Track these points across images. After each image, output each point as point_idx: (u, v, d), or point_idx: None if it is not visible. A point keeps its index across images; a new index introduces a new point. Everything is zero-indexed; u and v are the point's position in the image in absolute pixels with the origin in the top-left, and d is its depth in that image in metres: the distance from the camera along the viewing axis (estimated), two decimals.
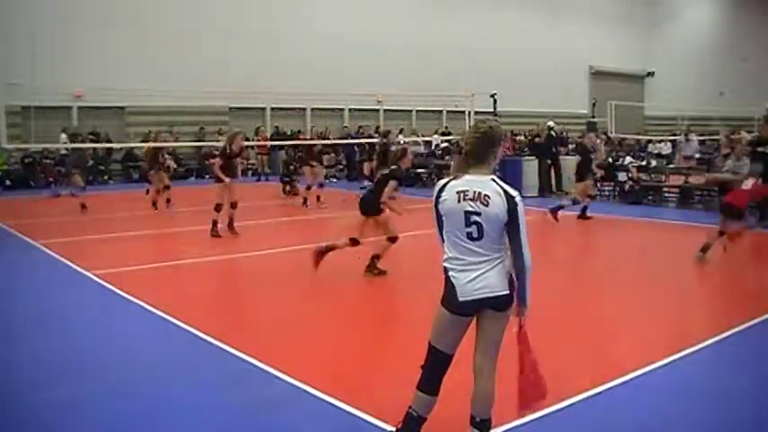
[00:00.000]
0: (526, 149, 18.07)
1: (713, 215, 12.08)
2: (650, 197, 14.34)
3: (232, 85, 20.13)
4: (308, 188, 13.91)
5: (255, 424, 3.82)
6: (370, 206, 7.32)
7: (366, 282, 7.28)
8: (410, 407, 3.32)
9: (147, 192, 14.20)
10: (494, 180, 3.12)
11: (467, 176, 3.12)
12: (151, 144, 14.38)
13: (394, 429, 3.40)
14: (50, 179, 19.06)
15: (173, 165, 15.38)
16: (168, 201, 13.52)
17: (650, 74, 35.24)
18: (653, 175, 14.77)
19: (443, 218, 3.17)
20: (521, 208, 3.09)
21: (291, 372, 4.44)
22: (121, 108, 20.71)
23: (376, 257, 7.37)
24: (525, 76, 27.59)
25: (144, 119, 20.83)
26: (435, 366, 3.26)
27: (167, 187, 13.53)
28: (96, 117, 20.30)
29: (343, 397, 4.03)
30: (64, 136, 18.73)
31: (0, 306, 6.46)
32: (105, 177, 20.09)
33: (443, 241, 3.24)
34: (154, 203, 13.59)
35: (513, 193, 3.09)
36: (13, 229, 10.73)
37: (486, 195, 3.05)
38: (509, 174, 13.79)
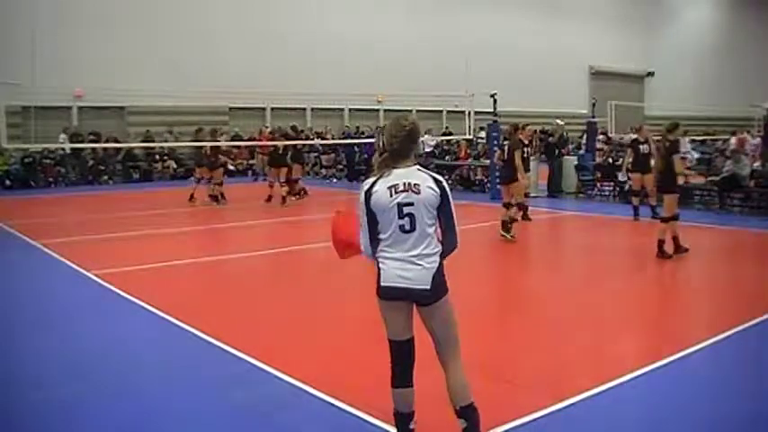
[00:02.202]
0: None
1: (713, 215, 12.14)
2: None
3: (232, 85, 20.14)
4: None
5: (255, 424, 3.82)
6: None
7: (366, 282, 7.25)
8: (395, 410, 3.33)
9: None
10: (419, 169, 3.24)
11: (395, 171, 3.20)
12: (211, 143, 14.60)
13: None
14: (50, 179, 19.08)
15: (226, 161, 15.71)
16: (221, 195, 14.55)
17: (650, 74, 35.24)
18: None
19: (376, 215, 3.20)
20: (448, 189, 3.23)
21: (291, 372, 4.44)
22: (122, 108, 20.72)
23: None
24: (525, 76, 27.61)
25: (144, 119, 20.86)
26: (402, 357, 3.28)
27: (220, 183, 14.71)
28: (97, 117, 20.31)
29: (343, 397, 4.03)
30: (63, 136, 18.77)
31: (0, 306, 6.47)
32: (105, 177, 20.09)
33: (370, 239, 3.26)
34: (212, 197, 14.35)
35: (439, 177, 3.25)
36: (14, 229, 10.73)
37: (416, 184, 3.16)
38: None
